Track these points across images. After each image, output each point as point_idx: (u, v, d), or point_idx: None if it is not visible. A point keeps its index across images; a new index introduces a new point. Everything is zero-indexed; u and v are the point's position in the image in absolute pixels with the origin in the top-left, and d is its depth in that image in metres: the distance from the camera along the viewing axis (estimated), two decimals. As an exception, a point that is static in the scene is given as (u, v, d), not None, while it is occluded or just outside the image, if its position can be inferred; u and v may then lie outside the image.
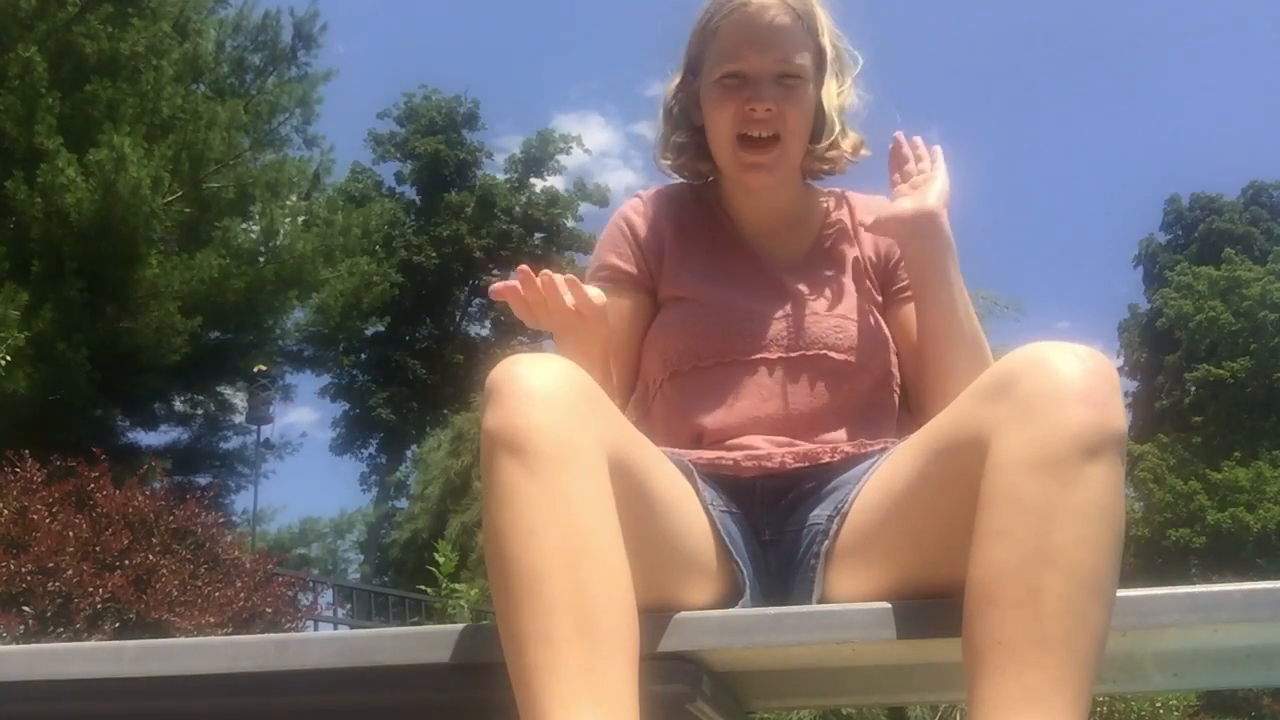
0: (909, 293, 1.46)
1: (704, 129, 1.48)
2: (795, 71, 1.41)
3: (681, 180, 1.56)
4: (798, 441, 1.35)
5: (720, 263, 1.47)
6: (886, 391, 1.44)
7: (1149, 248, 30.84)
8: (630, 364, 1.47)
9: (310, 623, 9.86)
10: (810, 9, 1.43)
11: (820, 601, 1.21)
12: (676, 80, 1.51)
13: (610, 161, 42.70)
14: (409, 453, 27.18)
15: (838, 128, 1.46)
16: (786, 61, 1.40)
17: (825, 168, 1.51)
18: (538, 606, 0.94)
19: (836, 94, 1.46)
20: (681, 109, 1.51)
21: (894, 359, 1.45)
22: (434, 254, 26.88)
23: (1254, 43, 51.59)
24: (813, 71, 1.43)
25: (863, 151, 1.51)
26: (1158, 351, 27.88)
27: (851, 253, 1.50)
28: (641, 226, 1.50)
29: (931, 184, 1.43)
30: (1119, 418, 1.00)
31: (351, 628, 11.75)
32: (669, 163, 1.54)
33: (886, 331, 1.45)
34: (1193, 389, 26.54)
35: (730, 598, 1.23)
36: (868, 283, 1.48)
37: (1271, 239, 28.61)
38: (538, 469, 0.99)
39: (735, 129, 1.41)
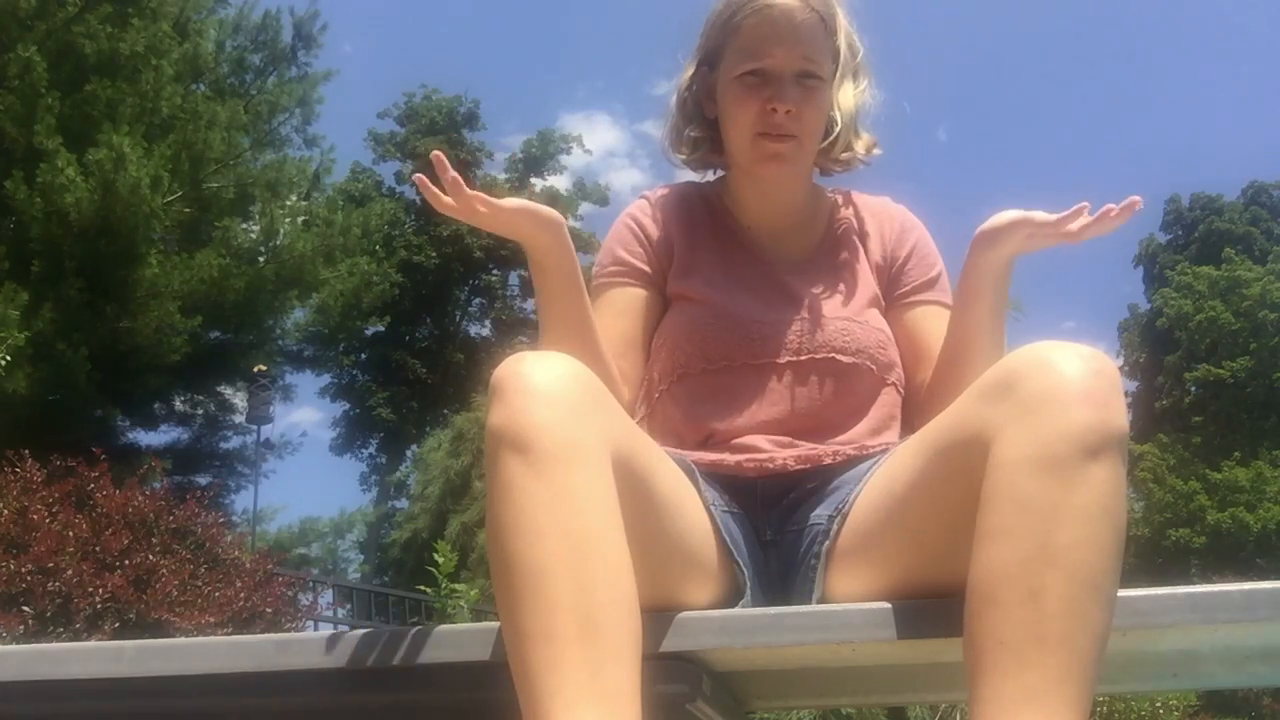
0: (915, 296, 1.47)
1: (716, 122, 1.48)
2: (816, 72, 1.40)
3: (688, 179, 1.56)
4: (800, 443, 1.35)
5: (728, 265, 1.47)
6: (892, 393, 1.43)
7: (1149, 248, 30.82)
8: (641, 359, 1.47)
9: (310, 623, 9.85)
10: (831, 9, 1.43)
11: (820, 602, 1.21)
12: (690, 71, 1.50)
13: (617, 161, 42.76)
14: (409, 453, 27.16)
15: (850, 129, 1.46)
16: (809, 60, 1.40)
17: (838, 168, 1.51)
18: (540, 605, 0.94)
19: (852, 95, 1.46)
20: (695, 101, 1.50)
21: (898, 361, 1.45)
22: (434, 254, 26.85)
23: (1254, 44, 51.62)
24: (830, 72, 1.43)
25: (875, 151, 1.51)
26: (1158, 351, 27.87)
27: (857, 253, 1.50)
28: (651, 226, 1.50)
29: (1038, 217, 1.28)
30: (1121, 418, 1.00)
31: (351, 628, 11.73)
32: (682, 157, 1.53)
33: (890, 333, 1.45)
34: (1193, 389, 26.54)
35: (731, 598, 1.24)
36: (873, 284, 1.48)
37: (1271, 239, 28.63)
38: (542, 467, 0.99)
39: (755, 128, 1.40)
